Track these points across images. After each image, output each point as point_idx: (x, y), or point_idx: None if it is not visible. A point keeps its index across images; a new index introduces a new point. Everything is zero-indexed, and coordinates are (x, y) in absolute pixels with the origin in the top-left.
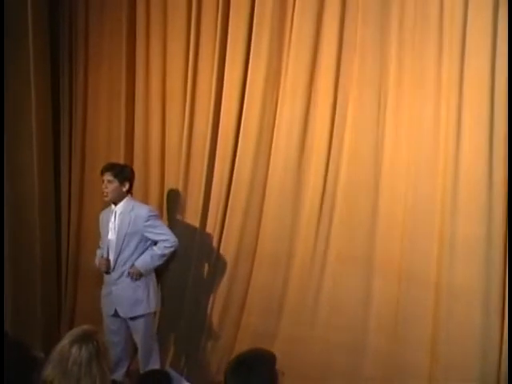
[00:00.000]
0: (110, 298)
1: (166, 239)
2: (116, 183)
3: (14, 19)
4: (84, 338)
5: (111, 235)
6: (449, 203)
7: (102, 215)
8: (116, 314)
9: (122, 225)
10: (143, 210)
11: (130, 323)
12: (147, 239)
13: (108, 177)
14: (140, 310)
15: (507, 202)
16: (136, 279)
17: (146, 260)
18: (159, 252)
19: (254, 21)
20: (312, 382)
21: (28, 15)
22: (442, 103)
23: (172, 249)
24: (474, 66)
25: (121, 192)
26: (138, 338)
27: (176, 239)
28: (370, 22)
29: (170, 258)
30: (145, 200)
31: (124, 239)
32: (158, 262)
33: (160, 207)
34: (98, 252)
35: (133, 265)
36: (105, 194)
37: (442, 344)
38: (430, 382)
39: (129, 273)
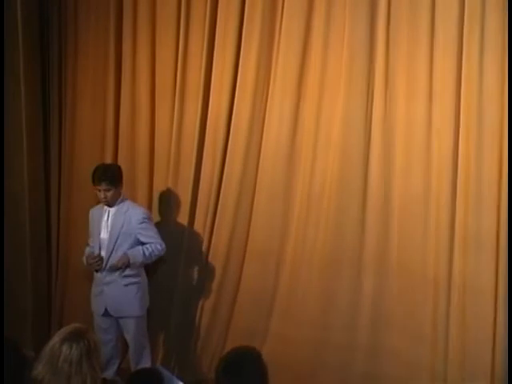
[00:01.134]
0: (101, 298)
1: (157, 243)
2: (113, 189)
3: (3, 19)
4: (75, 337)
5: (103, 234)
6: (443, 199)
7: (93, 212)
8: (107, 313)
9: (116, 224)
10: (138, 212)
11: (121, 322)
12: (140, 241)
13: (105, 186)
14: (132, 312)
15: (508, 197)
16: (119, 268)
17: (139, 252)
18: (150, 250)
19: (244, 18)
20: (303, 380)
21: (17, 12)
22: (431, 99)
23: (160, 254)
24: (466, 62)
25: (118, 195)
26: (129, 337)
27: (164, 246)
28: (357, 19)
29: (160, 257)
30: (132, 198)
31: (117, 239)
32: (146, 259)
33: (148, 205)
34: (87, 250)
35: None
36: (103, 201)
37: (440, 342)
38: (430, 380)
39: (118, 261)
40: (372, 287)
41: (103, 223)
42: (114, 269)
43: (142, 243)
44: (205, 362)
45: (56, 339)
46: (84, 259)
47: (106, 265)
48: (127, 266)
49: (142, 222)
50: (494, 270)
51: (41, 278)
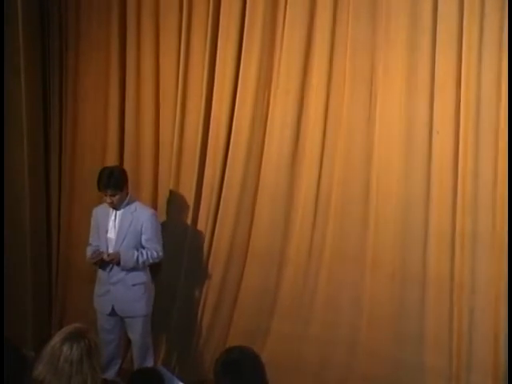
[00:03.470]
0: (108, 297)
1: (154, 248)
2: (119, 193)
3: (3, 18)
4: (75, 336)
5: (111, 234)
6: (443, 200)
7: (97, 211)
8: (112, 313)
9: (124, 224)
10: (146, 212)
11: (128, 321)
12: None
13: (110, 192)
14: (139, 311)
15: (508, 200)
16: (109, 261)
17: (132, 258)
18: (144, 257)
19: (246, 19)
20: (306, 379)
21: (18, 11)
22: (434, 100)
23: (154, 261)
24: (466, 62)
25: (125, 197)
26: (134, 337)
27: (161, 254)
28: (360, 21)
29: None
30: (137, 199)
31: (124, 239)
32: (138, 266)
33: (153, 206)
34: (89, 249)
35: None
36: (111, 205)
37: (441, 341)
38: (430, 379)
39: (108, 255)
40: (375, 288)
41: (111, 223)
42: (106, 262)
43: (142, 245)
44: (206, 362)
45: (56, 339)
46: (88, 257)
47: (112, 265)
48: (118, 263)
49: (147, 223)
50: (494, 269)
51: (41, 278)
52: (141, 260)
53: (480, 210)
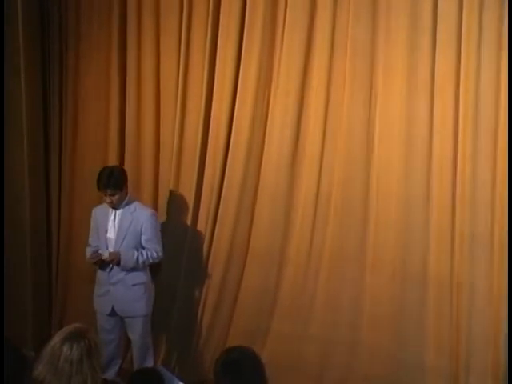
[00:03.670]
0: (108, 297)
1: (154, 248)
2: (119, 193)
3: (3, 18)
4: (75, 336)
5: (110, 234)
6: (443, 200)
7: (96, 212)
8: (113, 313)
9: (123, 224)
10: (145, 213)
11: (128, 321)
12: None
13: (110, 192)
14: (139, 311)
15: (507, 200)
16: (109, 262)
17: (132, 258)
18: (144, 257)
19: (246, 19)
20: (306, 379)
21: (18, 10)
22: (434, 100)
23: (154, 261)
24: (465, 62)
25: (124, 196)
26: (134, 337)
27: (161, 254)
28: (360, 21)
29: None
30: (138, 199)
31: (124, 239)
32: (138, 266)
33: (154, 206)
34: (88, 249)
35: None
36: (110, 205)
37: (441, 341)
38: (429, 379)
39: (110, 254)
40: (375, 288)
41: (110, 223)
42: (106, 262)
43: (141, 245)
44: (206, 362)
45: (56, 339)
46: (88, 258)
47: (112, 265)
48: (118, 264)
49: (147, 223)
50: (494, 269)
51: (41, 278)
52: (141, 260)
53: (480, 210)
